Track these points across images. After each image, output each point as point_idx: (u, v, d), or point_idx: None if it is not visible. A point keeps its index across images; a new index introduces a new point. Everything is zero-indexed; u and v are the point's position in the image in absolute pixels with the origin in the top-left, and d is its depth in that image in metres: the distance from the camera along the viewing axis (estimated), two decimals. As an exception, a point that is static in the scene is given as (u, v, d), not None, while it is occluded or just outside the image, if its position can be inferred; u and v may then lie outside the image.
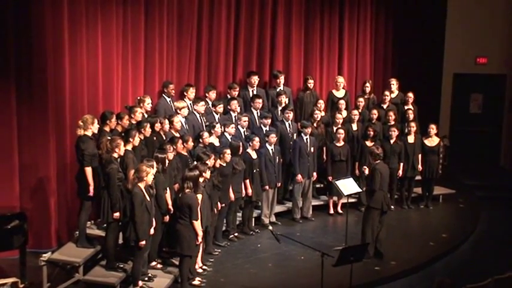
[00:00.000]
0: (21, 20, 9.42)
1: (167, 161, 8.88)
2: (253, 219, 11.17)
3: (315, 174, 11.68)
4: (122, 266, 8.75)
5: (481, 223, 12.15)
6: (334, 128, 12.01)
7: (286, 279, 9.25)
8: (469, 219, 12.29)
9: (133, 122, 9.75)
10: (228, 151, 9.91)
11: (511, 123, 15.54)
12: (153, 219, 8.30)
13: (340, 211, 12.11)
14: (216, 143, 10.39)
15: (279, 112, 12.05)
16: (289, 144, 11.64)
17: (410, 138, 12.33)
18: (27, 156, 9.67)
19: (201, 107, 10.99)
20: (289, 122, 11.77)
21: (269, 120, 11.47)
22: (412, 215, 12.41)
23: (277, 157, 11.13)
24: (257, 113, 11.79)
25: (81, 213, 9.06)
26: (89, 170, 8.84)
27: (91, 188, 8.86)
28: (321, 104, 12.46)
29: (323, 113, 12.39)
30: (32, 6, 9.46)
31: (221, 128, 10.58)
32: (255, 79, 12.27)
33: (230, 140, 10.52)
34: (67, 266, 8.84)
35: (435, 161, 12.46)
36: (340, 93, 13.07)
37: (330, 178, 11.67)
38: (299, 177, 11.37)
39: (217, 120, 10.92)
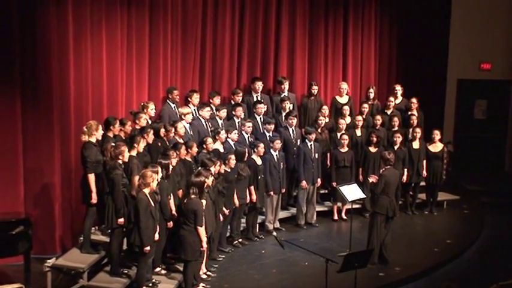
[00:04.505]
0: (26, 26, 9.46)
1: (171, 167, 8.88)
2: (258, 225, 11.16)
3: (319, 180, 11.67)
4: (126, 271, 8.76)
5: (486, 229, 12.12)
6: (338, 134, 12.02)
7: (291, 285, 9.24)
8: (474, 225, 12.27)
9: (138, 127, 9.76)
10: (233, 157, 9.91)
11: (515, 129, 15.57)
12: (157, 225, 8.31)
13: (344, 217, 12.10)
14: (221, 149, 10.40)
15: (283, 118, 12.05)
16: (292, 150, 11.64)
17: (415, 144, 12.32)
18: (31, 161, 9.69)
19: (206, 112, 11.00)
20: (293, 128, 11.78)
21: (272, 126, 11.45)
22: (417, 221, 12.39)
23: (282, 163, 11.12)
24: (260, 118, 11.80)
25: (86, 219, 9.06)
26: (91, 177, 8.83)
27: (93, 195, 8.86)
28: (325, 110, 12.47)
29: (327, 119, 12.40)
30: (36, 12, 9.51)
31: (225, 134, 10.59)
32: (259, 85, 12.29)
33: (233, 146, 10.53)
34: (71, 272, 8.85)
35: (439, 166, 12.45)
36: (343, 99, 13.06)
37: (334, 184, 11.65)
38: (304, 183, 11.36)
39: (220, 126, 10.94)
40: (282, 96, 12.41)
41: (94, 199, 8.87)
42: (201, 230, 8.31)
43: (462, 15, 15.53)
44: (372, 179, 10.25)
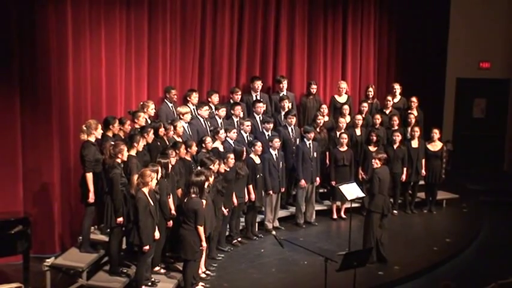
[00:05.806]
0: (25, 26, 9.46)
1: (170, 166, 8.88)
2: (257, 224, 11.16)
3: (318, 179, 11.67)
4: (125, 271, 8.76)
5: (485, 228, 12.13)
6: (338, 133, 12.02)
7: (290, 284, 9.24)
8: (473, 223, 12.28)
9: (137, 127, 9.75)
10: (232, 156, 9.91)
11: (515, 128, 15.58)
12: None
13: (343, 216, 12.10)
14: (221, 148, 10.39)
15: (282, 117, 12.05)
16: (291, 149, 11.63)
17: (414, 143, 12.32)
18: (31, 161, 9.69)
19: (204, 111, 10.99)
20: (292, 127, 11.78)
21: (271, 125, 11.45)
22: (416, 220, 12.39)
23: (281, 162, 11.12)
24: (259, 117, 11.80)
25: (84, 218, 9.05)
26: (89, 176, 8.82)
27: (91, 194, 8.85)
28: (324, 109, 12.47)
29: (326, 118, 12.40)
30: (36, 12, 9.50)
31: (224, 133, 10.58)
32: (258, 84, 12.28)
33: (232, 145, 10.53)
34: (70, 271, 8.84)
35: (438, 165, 12.45)
36: (342, 99, 13.06)
37: (333, 183, 11.67)
38: (303, 182, 11.36)
39: (219, 125, 10.93)
40: (281, 95, 12.40)
41: (91, 198, 8.85)
42: (201, 230, 8.31)
43: (461, 13, 15.54)
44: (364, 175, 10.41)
